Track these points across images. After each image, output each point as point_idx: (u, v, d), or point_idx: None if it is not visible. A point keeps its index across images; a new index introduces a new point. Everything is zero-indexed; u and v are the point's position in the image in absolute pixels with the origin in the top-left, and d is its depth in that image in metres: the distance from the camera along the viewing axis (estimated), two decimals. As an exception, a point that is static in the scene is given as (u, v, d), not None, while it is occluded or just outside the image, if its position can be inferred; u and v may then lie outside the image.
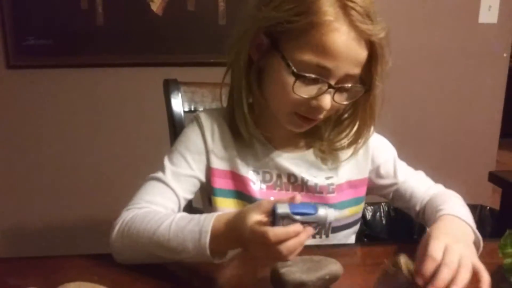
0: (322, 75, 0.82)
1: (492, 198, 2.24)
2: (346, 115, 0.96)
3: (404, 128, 2.12)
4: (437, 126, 2.22)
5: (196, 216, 0.79)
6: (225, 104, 0.98)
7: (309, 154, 0.96)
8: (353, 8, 0.79)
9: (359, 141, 0.95)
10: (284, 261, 0.70)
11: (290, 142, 0.95)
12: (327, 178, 0.97)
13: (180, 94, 1.21)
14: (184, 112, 1.21)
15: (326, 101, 0.84)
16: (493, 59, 2.23)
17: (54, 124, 2.09)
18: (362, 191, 1.02)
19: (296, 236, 0.67)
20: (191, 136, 0.96)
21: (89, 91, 2.08)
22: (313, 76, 0.81)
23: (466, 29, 2.18)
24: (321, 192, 0.97)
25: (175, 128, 1.20)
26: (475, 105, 2.27)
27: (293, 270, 0.73)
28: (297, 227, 0.67)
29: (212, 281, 0.80)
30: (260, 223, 0.69)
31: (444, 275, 0.69)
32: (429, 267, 0.71)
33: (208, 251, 0.75)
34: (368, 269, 0.87)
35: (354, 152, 0.96)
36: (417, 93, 2.18)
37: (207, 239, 0.74)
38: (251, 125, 0.91)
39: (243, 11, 0.88)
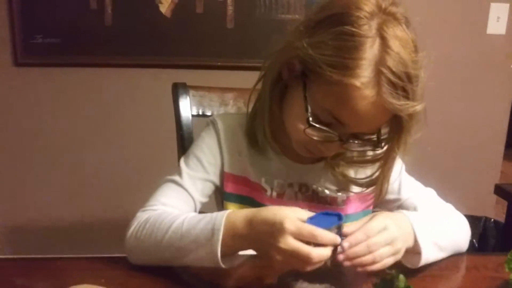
0: (334, 125, 0.80)
1: (495, 209, 2.24)
2: (369, 157, 0.94)
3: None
4: (441, 136, 2.22)
5: (208, 214, 0.80)
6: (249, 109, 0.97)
7: (321, 165, 0.96)
8: (387, 78, 0.74)
9: (371, 188, 0.93)
10: (301, 269, 0.70)
11: None
12: (338, 190, 0.97)
13: (188, 98, 1.21)
14: (192, 116, 1.21)
15: (331, 150, 0.85)
16: (500, 70, 2.23)
17: (60, 123, 2.10)
18: (370, 205, 1.01)
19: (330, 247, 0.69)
20: (207, 140, 0.96)
21: (96, 91, 2.09)
22: (324, 128, 0.80)
23: (474, 40, 2.18)
24: (331, 204, 0.97)
25: (183, 131, 1.20)
26: (481, 116, 2.27)
27: (300, 280, 0.73)
28: (338, 240, 0.70)
29: (218, 288, 0.80)
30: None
31: (365, 259, 0.72)
32: (357, 239, 0.71)
33: (219, 250, 0.75)
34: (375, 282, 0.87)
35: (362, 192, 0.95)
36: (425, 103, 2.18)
37: (220, 236, 0.75)
38: (268, 134, 0.91)
39: (291, 26, 0.84)
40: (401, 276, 0.74)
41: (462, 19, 2.15)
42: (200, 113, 1.23)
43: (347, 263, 0.71)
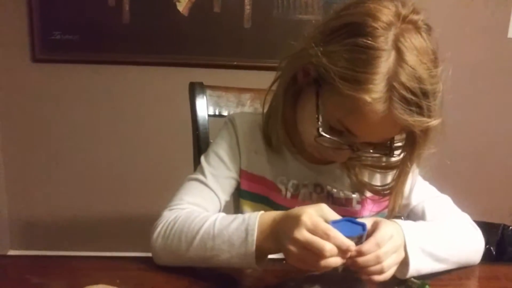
0: (345, 133, 0.79)
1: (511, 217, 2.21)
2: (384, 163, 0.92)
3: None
4: (459, 142, 2.18)
5: (239, 215, 0.79)
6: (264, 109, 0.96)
7: (336, 166, 0.95)
8: (400, 93, 0.71)
9: (386, 198, 0.92)
10: (315, 269, 0.69)
11: None
12: (353, 191, 0.96)
13: (205, 98, 1.21)
14: (209, 116, 1.20)
15: (342, 156, 0.85)
16: (521, 74, 2.19)
17: (76, 119, 2.11)
18: (385, 208, 0.99)
19: (343, 252, 0.67)
20: (227, 138, 0.96)
21: (113, 88, 2.10)
22: (334, 138, 0.79)
23: (495, 44, 2.15)
24: (346, 205, 0.96)
25: (199, 131, 1.19)
26: (500, 121, 2.24)
27: (317, 285, 0.72)
28: (353, 247, 0.68)
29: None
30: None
31: (374, 268, 0.70)
32: (371, 250, 0.70)
33: (254, 250, 0.74)
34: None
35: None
36: (444, 108, 2.15)
37: (254, 236, 0.74)
38: (281, 134, 0.91)
39: (308, 28, 0.83)
40: (427, 287, 0.73)
41: (482, 23, 2.12)
42: (217, 113, 1.22)
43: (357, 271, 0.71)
